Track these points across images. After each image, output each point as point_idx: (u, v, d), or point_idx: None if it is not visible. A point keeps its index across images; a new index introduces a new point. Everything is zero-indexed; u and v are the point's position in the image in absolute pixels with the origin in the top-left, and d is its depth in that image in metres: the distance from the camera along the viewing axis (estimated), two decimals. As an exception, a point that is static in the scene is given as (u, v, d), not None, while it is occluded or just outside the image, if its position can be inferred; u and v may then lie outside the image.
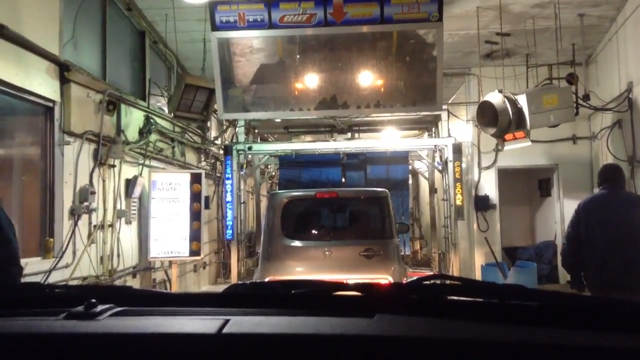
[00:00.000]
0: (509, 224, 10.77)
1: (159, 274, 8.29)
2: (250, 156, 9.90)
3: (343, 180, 9.86)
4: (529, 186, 11.53)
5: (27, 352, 1.00)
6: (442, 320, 1.13)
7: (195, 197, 7.86)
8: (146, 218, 7.66)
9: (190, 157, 9.60)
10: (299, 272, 6.10)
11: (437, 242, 10.91)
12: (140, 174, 7.45)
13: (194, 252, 7.86)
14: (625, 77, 7.94)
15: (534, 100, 7.18)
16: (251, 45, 6.83)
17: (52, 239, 5.55)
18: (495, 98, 7.28)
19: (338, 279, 5.67)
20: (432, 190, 11.07)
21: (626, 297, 4.40)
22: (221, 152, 10.00)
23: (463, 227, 9.70)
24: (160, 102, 8.85)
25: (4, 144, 5.42)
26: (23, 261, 3.50)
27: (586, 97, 8.34)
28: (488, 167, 9.80)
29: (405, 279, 6.34)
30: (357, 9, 6.20)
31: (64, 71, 5.66)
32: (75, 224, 5.89)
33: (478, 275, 8.99)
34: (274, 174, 13.68)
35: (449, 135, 9.33)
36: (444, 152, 9.28)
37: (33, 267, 5.02)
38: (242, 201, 9.44)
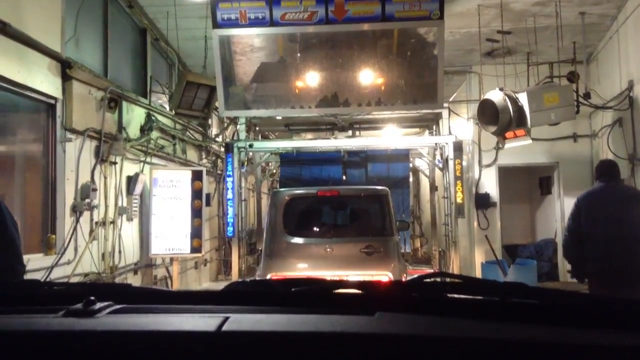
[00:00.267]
0: (510, 222, 10.79)
1: (160, 270, 8.31)
2: (251, 154, 9.91)
3: (344, 178, 9.87)
4: (529, 184, 11.54)
5: (26, 349, 0.99)
6: (443, 318, 1.12)
7: (196, 194, 7.89)
8: (147, 215, 7.68)
9: (191, 154, 9.62)
10: (300, 268, 6.16)
11: (437, 239, 10.93)
12: (142, 171, 7.47)
13: (195, 249, 7.89)
14: (626, 75, 7.95)
15: (534, 98, 7.19)
16: (252, 43, 6.83)
17: (54, 236, 5.58)
18: (496, 96, 7.29)
19: (339, 275, 5.76)
20: (433, 188, 11.07)
21: (624, 287, 4.55)
22: (222, 149, 10.01)
23: (463, 224, 9.72)
24: (161, 100, 8.87)
25: (7, 141, 5.44)
26: (25, 257, 3.52)
27: (587, 96, 8.35)
28: (489, 165, 9.82)
29: (405, 275, 6.40)
30: (358, 7, 6.21)
31: (65, 68, 5.67)
32: (77, 220, 5.91)
33: (478, 273, 9.01)
34: (274, 171, 13.71)
35: (450, 133, 9.34)
36: (445, 150, 9.29)
37: (35, 264, 5.04)
38: (243, 199, 9.45)
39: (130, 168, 7.24)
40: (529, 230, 11.62)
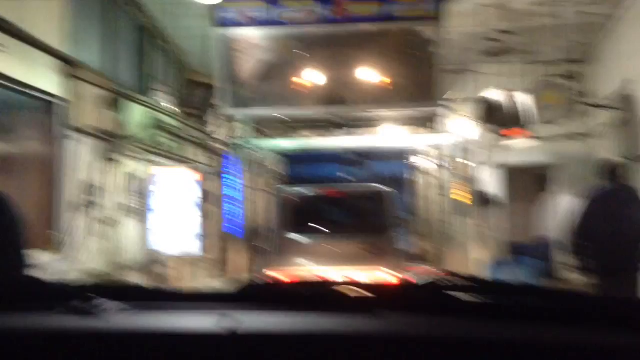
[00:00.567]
0: (511, 221, 10.82)
1: (160, 268, 8.35)
2: (251, 152, 9.96)
3: (344, 176, 9.94)
4: (529, 183, 11.56)
5: (27, 348, 0.99)
6: (447, 319, 1.12)
7: (197, 191, 7.93)
8: (148, 212, 7.72)
9: (191, 152, 9.66)
10: (302, 264, 6.31)
11: (436, 238, 10.97)
12: (142, 169, 7.51)
13: (196, 247, 7.93)
14: (624, 74, 7.99)
15: (532, 97, 7.26)
16: (251, 42, 6.89)
17: (56, 233, 5.62)
18: (494, 95, 7.36)
19: (340, 271, 5.90)
20: (432, 186, 11.12)
21: (623, 284, 4.71)
22: (223, 147, 10.05)
23: (462, 223, 9.76)
24: (160, 97, 8.90)
25: (10, 140, 5.48)
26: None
27: (584, 95, 8.41)
28: (488, 164, 9.86)
29: (404, 272, 6.52)
30: (357, 7, 6.27)
31: (67, 67, 5.71)
32: (79, 218, 5.95)
33: (477, 272, 9.06)
34: (274, 169, 13.74)
35: (448, 132, 9.38)
36: (444, 148, 9.34)
37: (36, 261, 5.08)
38: (243, 197, 9.51)
39: (130, 166, 7.28)
40: (529, 229, 11.65)
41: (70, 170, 5.87)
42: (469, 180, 9.92)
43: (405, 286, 1.58)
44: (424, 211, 13.41)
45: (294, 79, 7.24)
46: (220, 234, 10.83)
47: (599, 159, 8.97)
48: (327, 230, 6.83)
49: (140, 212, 7.72)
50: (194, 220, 7.87)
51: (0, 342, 0.99)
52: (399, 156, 9.97)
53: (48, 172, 5.69)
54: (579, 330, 1.05)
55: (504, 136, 7.69)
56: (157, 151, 8.07)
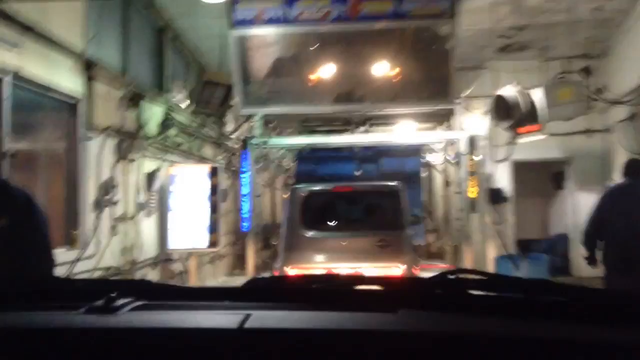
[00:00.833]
0: (523, 217, 10.81)
1: (177, 265, 8.48)
2: (266, 150, 10.04)
3: (357, 173, 9.99)
4: (543, 179, 11.55)
5: (48, 346, 1.00)
6: (467, 316, 1.11)
7: (213, 190, 8.03)
8: (165, 211, 7.84)
9: (207, 151, 9.78)
10: (317, 261, 6.41)
11: (450, 234, 11.00)
12: (160, 168, 7.63)
13: (212, 244, 8.03)
14: (639, 70, 7.96)
15: (547, 94, 7.27)
16: (268, 42, 6.97)
17: (77, 231, 5.75)
18: (509, 92, 7.37)
19: (354, 267, 5.98)
20: (446, 183, 11.15)
21: (637, 277, 4.77)
22: (237, 146, 10.15)
23: (476, 220, 9.78)
24: (178, 97, 9.01)
25: (32, 139, 5.60)
26: (51, 252, 3.66)
27: (600, 91, 8.39)
28: (502, 160, 9.86)
29: (417, 268, 6.59)
30: (372, 6, 6.32)
31: (88, 68, 5.83)
32: (99, 216, 6.08)
33: (491, 268, 9.08)
34: (289, 167, 13.83)
35: (463, 129, 9.40)
36: (458, 145, 9.36)
37: (59, 258, 5.18)
38: (257, 194, 9.60)
39: (149, 165, 7.41)
40: (543, 226, 11.64)
41: (91, 170, 5.99)
42: (483, 177, 9.93)
43: (421, 283, 1.55)
44: (439, 208, 13.44)
45: (310, 78, 7.31)
46: (237, 232, 10.95)
47: (613, 155, 8.97)
48: (343, 227, 6.93)
49: (159, 210, 7.85)
50: (212, 218, 7.96)
51: (24, 340, 1.01)
52: (415, 153, 9.98)
53: (70, 171, 5.82)
54: (603, 328, 1.04)
55: (520, 133, 7.69)
56: (176, 150, 8.19)
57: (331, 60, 7.21)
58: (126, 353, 0.98)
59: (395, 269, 6.26)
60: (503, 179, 9.88)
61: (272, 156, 10.74)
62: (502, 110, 7.42)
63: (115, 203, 6.43)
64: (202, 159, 9.28)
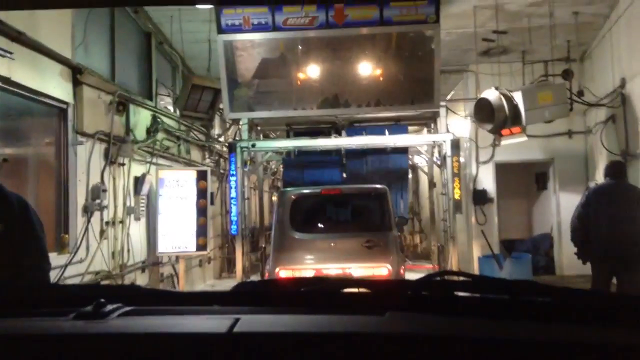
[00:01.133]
0: (507, 217, 11.01)
1: (166, 268, 8.53)
2: (253, 153, 10.10)
3: (344, 175, 10.06)
4: (526, 180, 11.75)
5: (37, 352, 0.99)
6: (454, 318, 1.12)
7: (201, 193, 8.09)
8: (154, 214, 7.90)
9: (195, 154, 9.83)
10: (307, 262, 6.55)
11: (436, 235, 11.14)
12: (148, 172, 7.69)
13: (201, 247, 8.09)
14: (618, 73, 8.16)
15: (529, 97, 7.42)
16: (256, 47, 7.06)
17: (67, 235, 5.79)
18: (491, 95, 7.51)
19: (342, 267, 6.13)
20: (432, 184, 11.27)
21: (621, 270, 5.23)
22: (224, 149, 10.20)
23: (461, 220, 9.93)
24: (165, 101, 9.08)
25: (22, 145, 5.65)
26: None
27: (580, 93, 8.59)
28: (486, 162, 10.04)
29: (403, 267, 6.74)
30: (357, 12, 6.45)
31: (76, 74, 5.88)
32: (89, 220, 6.12)
33: (476, 268, 9.24)
34: (276, 170, 13.90)
35: (448, 131, 9.53)
36: (443, 147, 9.48)
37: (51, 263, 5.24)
38: (245, 197, 9.65)
39: (137, 169, 7.46)
40: (526, 225, 11.84)
41: (81, 174, 6.04)
42: (468, 179, 10.09)
43: (407, 285, 1.53)
44: (425, 209, 13.59)
45: (296, 82, 7.41)
46: (222, 234, 11.01)
47: (595, 156, 9.17)
48: (331, 229, 7.08)
49: (148, 214, 7.90)
50: (200, 222, 8.03)
51: (11, 347, 1.01)
52: (399, 150, 10.06)
53: (60, 175, 5.86)
54: (587, 329, 1.05)
55: (502, 135, 7.84)
56: (164, 154, 8.24)
57: (317, 65, 7.33)
58: (115, 359, 0.98)
59: (383, 269, 6.42)
60: (487, 180, 10.05)
61: (259, 159, 10.79)
62: (485, 112, 7.56)
63: (104, 207, 6.47)
64: (190, 163, 9.33)
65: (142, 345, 1.00)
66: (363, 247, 6.52)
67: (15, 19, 4.85)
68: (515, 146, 8.42)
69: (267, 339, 1.01)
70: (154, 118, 7.87)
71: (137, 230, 7.51)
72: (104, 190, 6.40)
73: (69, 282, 5.51)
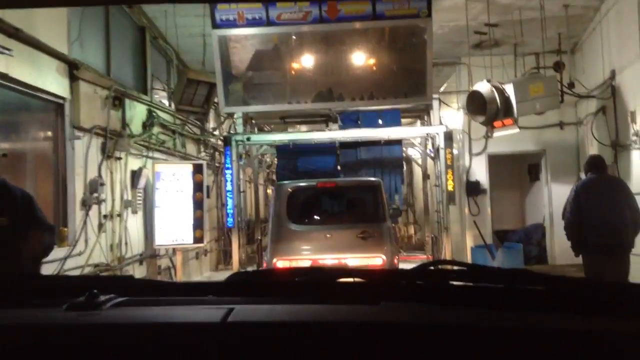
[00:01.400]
0: (500, 208, 11.14)
1: (164, 261, 8.62)
2: (248, 146, 10.18)
3: (339, 167, 10.14)
4: (518, 171, 11.88)
5: (30, 343, 0.98)
6: (448, 307, 1.12)
7: (198, 186, 8.18)
8: (151, 207, 7.98)
9: (191, 148, 9.90)
10: (304, 253, 6.68)
11: (430, 226, 11.26)
12: (145, 166, 7.76)
13: (197, 240, 8.19)
14: (608, 64, 8.26)
15: (520, 89, 7.53)
16: (250, 41, 7.14)
17: (66, 229, 5.87)
18: (483, 87, 7.61)
19: (338, 258, 6.26)
20: (425, 176, 11.37)
21: (612, 259, 5.42)
22: (219, 142, 10.28)
23: (455, 211, 10.05)
24: (160, 95, 9.13)
25: (20, 140, 5.72)
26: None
27: (571, 85, 8.70)
28: (478, 154, 10.15)
29: (397, 258, 6.88)
30: (350, 6, 6.53)
31: (72, 69, 5.94)
32: (87, 214, 6.21)
33: (468, 257, 9.37)
34: (271, 163, 13.97)
35: (441, 123, 9.62)
36: (436, 139, 9.58)
37: (50, 255, 5.33)
38: (241, 190, 9.73)
39: (134, 163, 7.53)
40: (519, 216, 11.98)
41: (79, 168, 6.12)
42: (461, 170, 10.21)
43: (402, 274, 1.51)
44: (419, 200, 13.71)
45: (290, 76, 7.50)
46: (218, 227, 11.10)
47: (586, 147, 9.30)
48: (327, 221, 7.21)
49: (145, 207, 7.98)
50: (196, 214, 8.12)
51: (4, 338, 1.00)
52: (393, 140, 10.13)
53: (58, 170, 5.93)
54: (580, 317, 1.06)
55: (495, 127, 7.95)
56: (160, 148, 8.31)
57: (311, 59, 7.42)
58: (108, 349, 0.97)
59: (377, 259, 6.55)
60: (480, 171, 10.17)
61: (254, 152, 10.88)
62: (477, 105, 7.66)
63: (102, 201, 6.56)
64: (186, 156, 9.40)
65: (135, 335, 0.99)
66: (358, 238, 6.65)
67: (12, 15, 4.91)
68: (508, 138, 8.54)
69: (261, 328, 1.01)
70: (150, 112, 7.94)
71: (134, 223, 7.59)
72: (102, 184, 6.48)
73: (66, 274, 5.60)
